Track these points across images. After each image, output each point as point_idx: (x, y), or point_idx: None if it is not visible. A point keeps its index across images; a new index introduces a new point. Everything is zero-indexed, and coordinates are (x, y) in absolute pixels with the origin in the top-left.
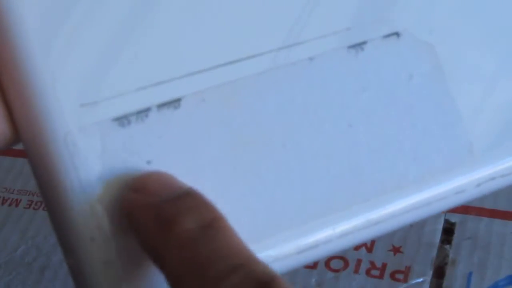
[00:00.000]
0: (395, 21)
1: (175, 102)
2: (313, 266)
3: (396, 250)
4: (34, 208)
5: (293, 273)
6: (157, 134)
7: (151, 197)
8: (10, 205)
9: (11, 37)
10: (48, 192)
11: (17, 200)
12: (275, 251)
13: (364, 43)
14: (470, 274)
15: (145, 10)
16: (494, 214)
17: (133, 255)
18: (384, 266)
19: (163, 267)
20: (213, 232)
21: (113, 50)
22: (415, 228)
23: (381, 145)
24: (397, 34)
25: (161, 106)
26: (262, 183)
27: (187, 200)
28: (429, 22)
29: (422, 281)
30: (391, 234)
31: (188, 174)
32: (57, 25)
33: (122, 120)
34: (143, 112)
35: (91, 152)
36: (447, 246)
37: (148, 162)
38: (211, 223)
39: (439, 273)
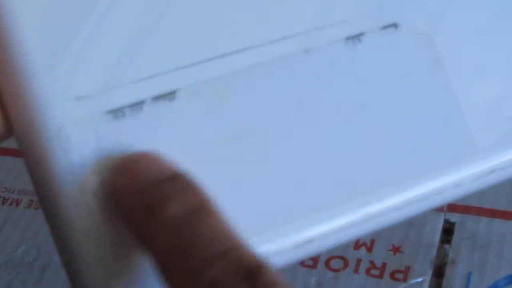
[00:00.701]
0: (393, 12)
1: (170, 95)
2: (313, 265)
3: (396, 249)
4: (34, 208)
5: (293, 273)
6: (152, 127)
7: (137, 180)
8: (10, 205)
9: (4, 30)
10: (41, 188)
11: (17, 200)
12: (272, 245)
13: (361, 34)
14: (469, 274)
15: (139, 3)
16: (494, 214)
17: (128, 250)
18: (384, 265)
19: (150, 253)
20: (199, 217)
21: (107, 42)
22: (415, 228)
23: (378, 138)
24: (395, 25)
25: (156, 98)
26: (258, 176)
27: (174, 184)
28: (428, 12)
29: (421, 281)
30: (391, 234)
31: (183, 167)
32: (52, 19)
33: (117, 112)
34: (138, 105)
35: (85, 146)
36: (446, 246)
37: None
38: (197, 208)
39: (439, 273)
